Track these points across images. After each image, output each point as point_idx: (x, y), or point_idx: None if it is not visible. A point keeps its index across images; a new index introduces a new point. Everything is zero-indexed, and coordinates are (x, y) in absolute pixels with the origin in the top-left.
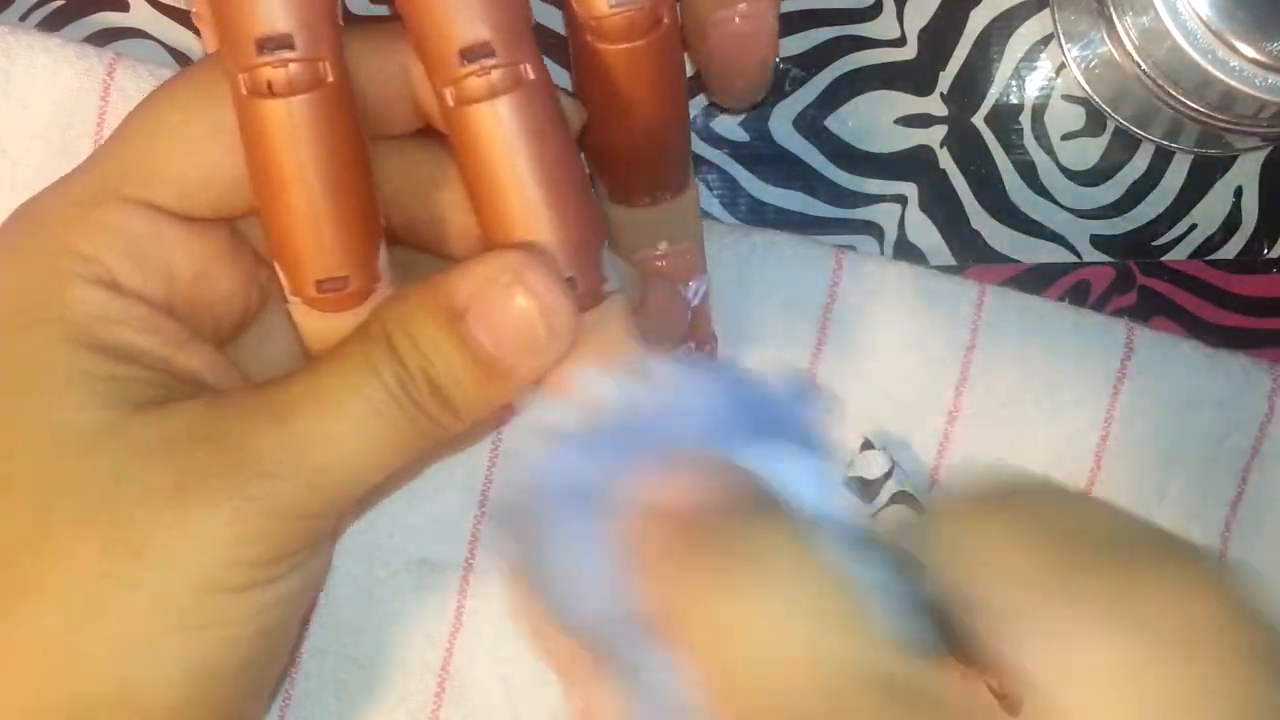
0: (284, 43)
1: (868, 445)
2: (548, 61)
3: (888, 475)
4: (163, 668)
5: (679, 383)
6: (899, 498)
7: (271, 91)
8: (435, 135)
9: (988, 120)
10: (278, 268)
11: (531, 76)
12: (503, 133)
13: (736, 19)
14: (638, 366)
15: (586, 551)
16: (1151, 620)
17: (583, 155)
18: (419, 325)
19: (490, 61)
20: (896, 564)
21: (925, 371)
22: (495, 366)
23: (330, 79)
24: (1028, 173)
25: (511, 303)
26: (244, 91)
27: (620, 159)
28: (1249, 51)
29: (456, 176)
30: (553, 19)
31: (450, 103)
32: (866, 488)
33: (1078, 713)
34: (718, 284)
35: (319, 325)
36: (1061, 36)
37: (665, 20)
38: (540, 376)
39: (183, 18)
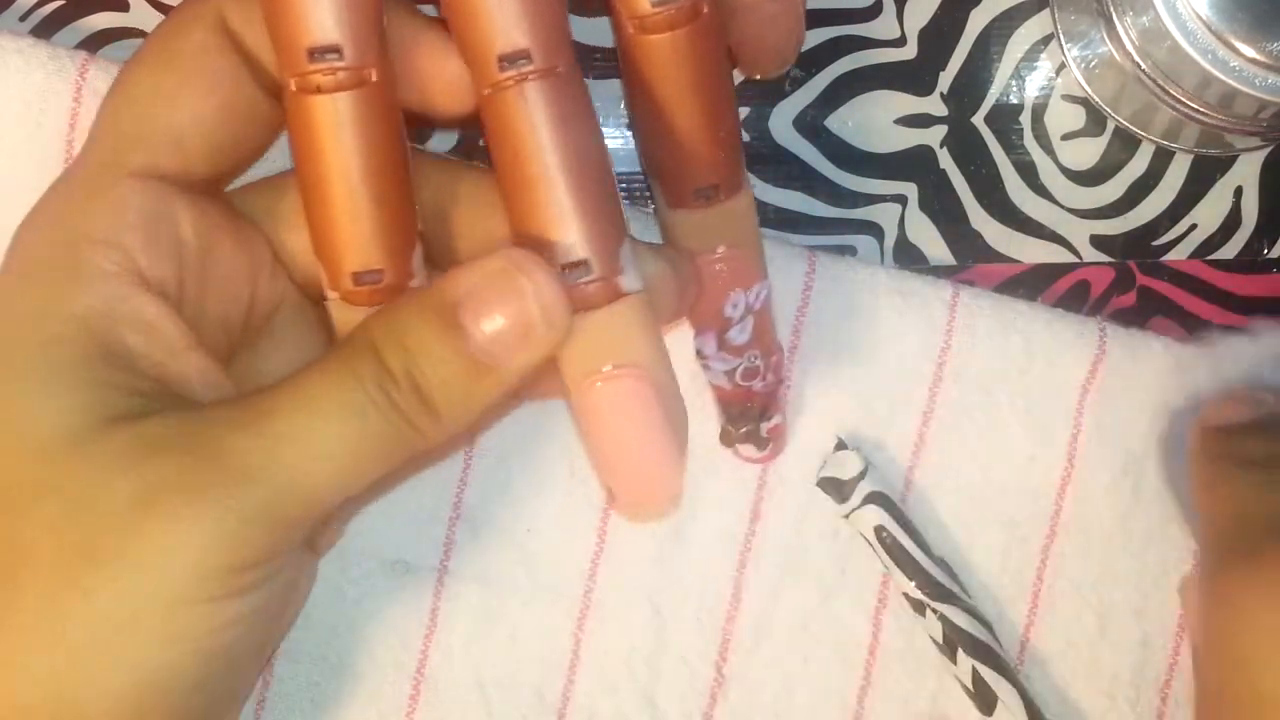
0: (333, 51)
1: (841, 446)
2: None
3: (861, 475)
4: (109, 680)
5: None
6: (872, 498)
7: (318, 90)
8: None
9: (988, 120)
10: (319, 263)
11: (561, 70)
12: (531, 115)
13: (766, 1)
14: None
15: None
16: None
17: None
18: (406, 326)
19: (528, 67)
20: None
21: (899, 372)
22: (484, 360)
23: (374, 80)
24: (1028, 173)
25: (510, 291)
26: (294, 90)
27: (673, 154)
28: (1249, 51)
29: (471, 190)
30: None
31: (485, 92)
32: (840, 488)
33: None
34: None
35: (355, 319)
36: (1061, 36)
37: (705, 10)
38: (526, 373)
39: None
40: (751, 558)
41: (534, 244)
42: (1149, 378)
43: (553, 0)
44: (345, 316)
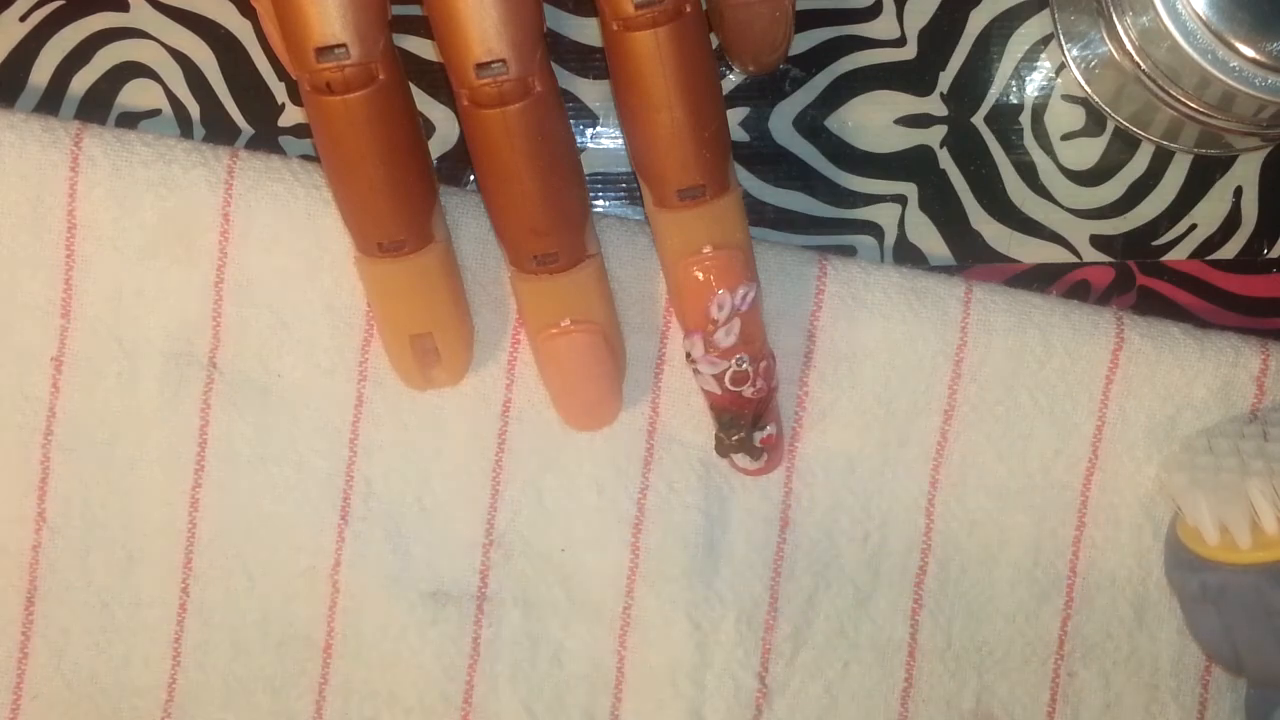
0: (340, 50)
1: None
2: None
3: None
4: None
5: None
6: None
7: (330, 90)
8: None
9: (988, 120)
10: (348, 230)
11: (538, 89)
12: (511, 136)
13: (754, 3)
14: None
15: None
16: None
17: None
18: None
19: (504, 76)
20: None
21: (918, 372)
22: None
23: (382, 77)
24: (1028, 173)
25: None
26: (308, 89)
27: (657, 153)
28: (1249, 51)
29: None
30: (583, 33)
31: (465, 103)
32: None
33: None
34: None
35: (381, 270)
36: (1061, 36)
37: (688, 9)
38: None
39: (182, 17)
40: (785, 566)
41: None
42: (1168, 365)
43: (530, 12)
44: (373, 269)
